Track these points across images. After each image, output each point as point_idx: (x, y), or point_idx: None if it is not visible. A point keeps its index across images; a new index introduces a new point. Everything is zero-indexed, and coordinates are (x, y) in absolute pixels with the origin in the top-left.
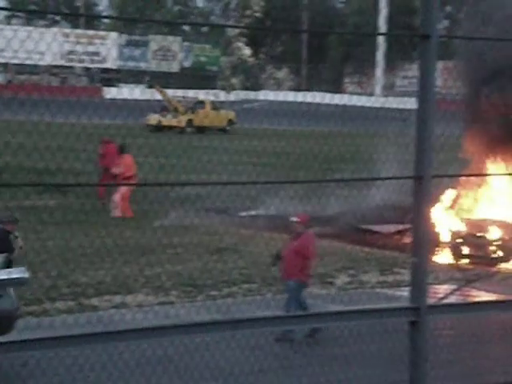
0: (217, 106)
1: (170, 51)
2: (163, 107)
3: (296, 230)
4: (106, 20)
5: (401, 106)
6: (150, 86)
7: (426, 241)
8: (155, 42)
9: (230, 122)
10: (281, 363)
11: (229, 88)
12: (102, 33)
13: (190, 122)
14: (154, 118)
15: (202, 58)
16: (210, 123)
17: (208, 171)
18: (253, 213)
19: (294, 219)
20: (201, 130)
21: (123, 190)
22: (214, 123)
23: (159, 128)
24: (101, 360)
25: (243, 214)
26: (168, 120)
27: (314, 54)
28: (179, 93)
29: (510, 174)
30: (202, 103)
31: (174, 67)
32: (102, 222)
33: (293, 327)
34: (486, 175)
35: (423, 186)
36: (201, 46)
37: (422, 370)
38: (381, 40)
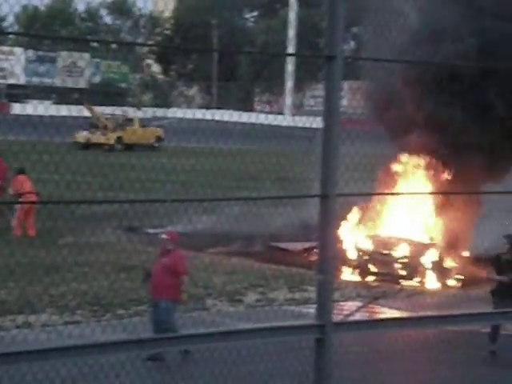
0: (145, 123)
1: (78, 67)
2: (92, 124)
3: (165, 247)
4: (11, 35)
5: (308, 125)
6: (80, 103)
7: (331, 258)
8: (63, 58)
9: (158, 138)
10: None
11: (139, 105)
12: (6, 48)
13: (119, 139)
14: (82, 136)
15: (112, 75)
16: (138, 140)
17: (125, 188)
18: (161, 230)
19: (164, 236)
20: (129, 147)
21: (23, 208)
22: (142, 140)
23: (87, 146)
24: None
25: (151, 231)
26: (97, 137)
27: (224, 72)
28: (108, 110)
29: (415, 193)
30: (130, 120)
31: (82, 83)
32: (4, 240)
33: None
34: (393, 194)
35: (328, 204)
36: (110, 62)
37: None
38: (289, 60)
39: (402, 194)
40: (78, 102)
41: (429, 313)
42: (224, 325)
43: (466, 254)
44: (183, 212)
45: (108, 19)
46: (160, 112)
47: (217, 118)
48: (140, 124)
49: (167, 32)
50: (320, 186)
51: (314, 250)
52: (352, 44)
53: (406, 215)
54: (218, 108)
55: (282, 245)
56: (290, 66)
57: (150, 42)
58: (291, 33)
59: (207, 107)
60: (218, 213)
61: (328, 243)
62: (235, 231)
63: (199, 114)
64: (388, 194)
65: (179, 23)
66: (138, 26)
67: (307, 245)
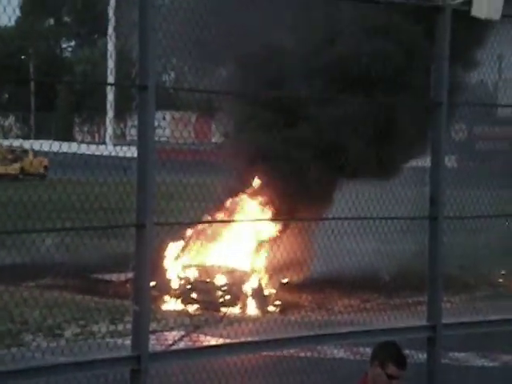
0: (36, 153)
1: None
2: None
3: None
4: None
5: (129, 155)
6: None
7: (146, 289)
8: None
9: (46, 168)
10: None
11: None
12: None
13: (21, 169)
14: None
15: None
16: (34, 170)
17: None
18: None
19: None
20: (28, 175)
21: None
22: (36, 170)
23: None
24: None
25: None
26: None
27: (43, 102)
28: (6, 142)
29: (235, 221)
30: (26, 152)
31: None
32: None
33: None
34: (213, 222)
35: (146, 234)
36: None
37: None
38: (109, 89)
39: (222, 222)
40: None
41: (249, 339)
42: (44, 360)
43: (285, 280)
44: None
45: None
46: None
47: (36, 148)
48: (33, 154)
49: None
50: (136, 216)
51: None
52: (172, 74)
53: (231, 243)
54: (36, 138)
55: (105, 276)
56: (110, 95)
57: None
58: (110, 63)
59: (24, 137)
60: (36, 244)
61: (143, 273)
62: (57, 263)
63: (17, 143)
64: (209, 222)
65: None
66: None
67: (130, 275)
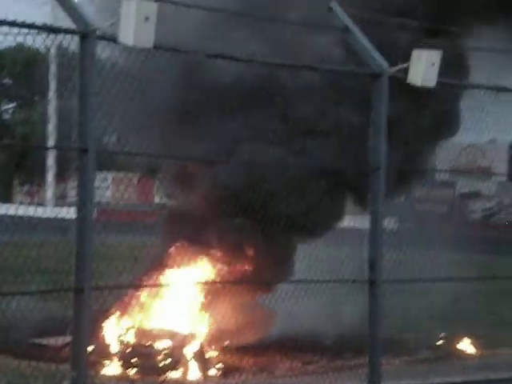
0: None
1: None
2: None
3: None
4: None
5: (69, 216)
6: None
7: (84, 353)
8: None
9: None
10: None
11: None
12: None
13: None
14: None
15: None
16: None
17: None
18: None
19: None
20: None
21: None
22: None
23: None
24: None
25: None
26: None
27: None
28: None
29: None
30: None
31: None
32: None
33: None
34: (154, 286)
35: (84, 298)
36: None
37: None
38: (50, 151)
39: (162, 285)
40: None
41: None
42: None
43: (227, 343)
44: None
45: None
46: None
47: None
48: None
49: None
50: (74, 279)
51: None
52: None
53: (173, 306)
54: None
55: (43, 340)
56: (50, 157)
57: None
58: (51, 125)
59: None
60: None
61: (81, 338)
62: None
63: None
64: (150, 286)
65: None
66: None
67: (68, 339)
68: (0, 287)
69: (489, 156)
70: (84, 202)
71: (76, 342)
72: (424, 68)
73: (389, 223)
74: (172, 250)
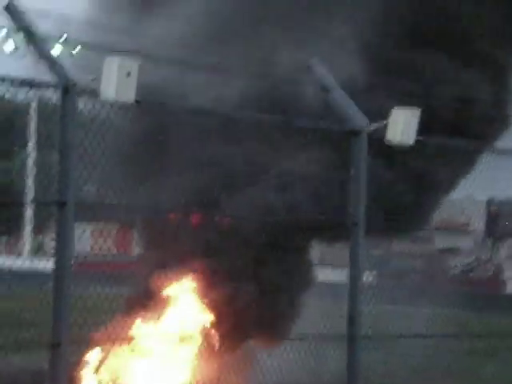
0: None
1: None
2: None
3: None
4: None
5: (48, 267)
6: None
7: None
8: None
9: None
10: None
11: None
12: None
13: None
14: None
15: None
16: None
17: None
18: None
19: None
20: None
21: None
22: None
23: None
24: None
25: None
26: None
27: None
28: None
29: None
30: None
31: None
32: None
33: None
34: (131, 340)
35: (60, 353)
36: None
37: None
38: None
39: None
40: None
41: None
42: None
43: None
44: None
45: None
46: None
47: None
48: None
49: None
50: (51, 333)
51: None
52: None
53: (156, 359)
54: None
55: None
56: (28, 210)
57: None
58: (30, 180)
59: None
60: None
61: None
62: None
63: None
64: (129, 339)
65: None
66: None
67: None
68: None
69: (467, 212)
70: (62, 254)
71: None
72: (402, 126)
73: (368, 277)
74: (158, 300)
